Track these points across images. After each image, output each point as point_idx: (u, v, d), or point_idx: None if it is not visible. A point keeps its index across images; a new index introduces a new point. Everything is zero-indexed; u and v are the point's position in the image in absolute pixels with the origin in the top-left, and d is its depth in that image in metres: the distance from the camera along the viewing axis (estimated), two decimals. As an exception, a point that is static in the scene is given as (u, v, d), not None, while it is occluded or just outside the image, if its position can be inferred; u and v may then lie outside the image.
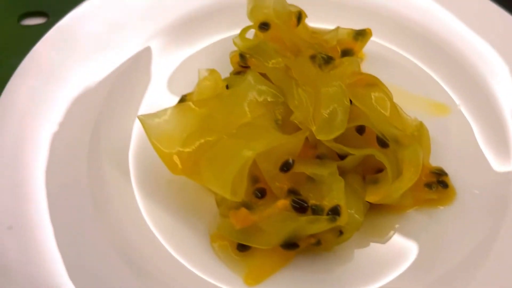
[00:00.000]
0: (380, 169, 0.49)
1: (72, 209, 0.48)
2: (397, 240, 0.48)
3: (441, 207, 0.50)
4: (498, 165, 0.52)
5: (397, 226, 0.49)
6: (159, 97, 0.57)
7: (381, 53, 0.60)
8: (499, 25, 0.61)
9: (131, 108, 0.56)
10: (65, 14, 0.60)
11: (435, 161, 0.52)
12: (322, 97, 0.47)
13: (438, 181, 0.50)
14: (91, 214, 0.48)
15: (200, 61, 0.60)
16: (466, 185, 0.51)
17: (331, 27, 0.59)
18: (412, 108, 0.54)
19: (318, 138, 0.46)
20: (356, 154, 0.47)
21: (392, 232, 0.49)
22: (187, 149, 0.47)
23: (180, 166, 0.47)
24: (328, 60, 0.48)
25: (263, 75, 0.50)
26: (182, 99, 0.51)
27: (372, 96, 0.49)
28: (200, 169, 0.46)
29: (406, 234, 0.49)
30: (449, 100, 0.57)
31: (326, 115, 0.46)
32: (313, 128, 0.46)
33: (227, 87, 0.50)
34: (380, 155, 0.46)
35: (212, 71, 0.51)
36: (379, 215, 0.49)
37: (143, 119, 0.48)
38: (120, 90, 0.56)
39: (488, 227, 0.49)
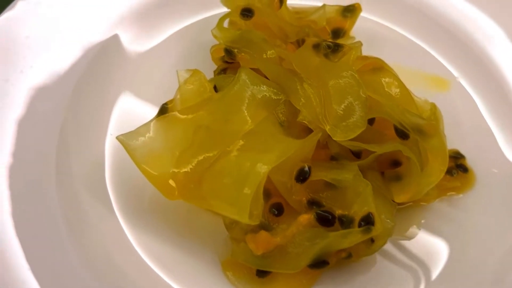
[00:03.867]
0: (395, 161, 0.44)
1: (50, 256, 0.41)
2: (426, 238, 0.44)
3: (461, 195, 0.46)
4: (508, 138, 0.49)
5: (422, 221, 0.45)
6: (129, 105, 0.49)
7: (367, 28, 0.54)
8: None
9: (99, 123, 0.48)
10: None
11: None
12: (332, 91, 0.41)
13: (457, 165, 0.46)
14: (74, 263, 0.41)
15: (168, 55, 0.53)
16: (482, 165, 0.47)
17: (308, 2, 0.53)
18: (410, 84, 0.48)
19: (335, 139, 0.40)
20: (378, 151, 0.41)
21: (418, 228, 0.44)
22: (183, 169, 0.40)
23: (177, 190, 0.40)
24: (335, 48, 0.41)
25: (255, 70, 0.43)
26: (163, 109, 0.42)
27: (383, 82, 0.43)
28: (204, 192, 0.39)
29: (434, 229, 0.44)
30: (447, 73, 0.53)
31: (341, 112, 0.40)
32: (327, 128, 0.40)
33: (215, 89, 0.43)
34: (406, 149, 0.41)
35: (194, 72, 0.43)
36: (400, 210, 0.45)
37: (124, 140, 0.40)
38: (82, 101, 0.48)
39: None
